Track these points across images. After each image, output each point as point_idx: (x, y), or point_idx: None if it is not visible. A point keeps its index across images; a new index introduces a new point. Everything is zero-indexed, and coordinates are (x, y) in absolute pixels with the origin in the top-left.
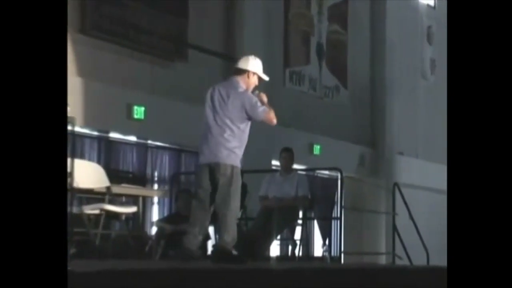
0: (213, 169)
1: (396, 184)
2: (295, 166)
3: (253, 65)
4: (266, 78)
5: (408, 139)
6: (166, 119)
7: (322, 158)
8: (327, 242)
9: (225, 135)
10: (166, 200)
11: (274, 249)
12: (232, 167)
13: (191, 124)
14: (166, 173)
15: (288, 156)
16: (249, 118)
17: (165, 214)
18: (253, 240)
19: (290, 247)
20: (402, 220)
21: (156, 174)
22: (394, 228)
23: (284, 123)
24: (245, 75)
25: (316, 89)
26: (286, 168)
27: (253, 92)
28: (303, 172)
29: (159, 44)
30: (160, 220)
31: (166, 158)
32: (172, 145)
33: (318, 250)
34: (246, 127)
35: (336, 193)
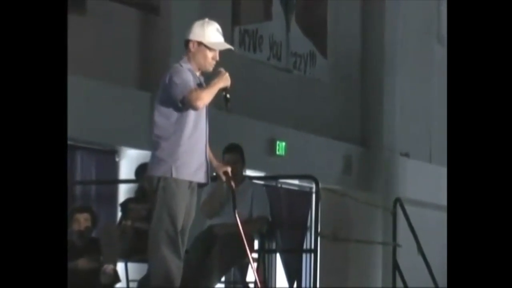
0: None
1: (398, 201)
2: (249, 172)
3: (196, 32)
4: (219, 46)
5: (416, 134)
6: None
7: (289, 161)
8: (295, 285)
9: (153, 135)
10: None
11: None
12: (159, 179)
13: (91, 109)
14: None
15: (236, 157)
16: (168, 98)
17: None
18: (185, 282)
19: None
20: (407, 254)
21: None
22: (395, 266)
23: (230, 109)
24: (188, 48)
25: (281, 58)
26: (235, 175)
27: (213, 70)
28: (261, 182)
29: None
30: None
31: None
32: None
33: None
34: (181, 118)
35: (310, 213)
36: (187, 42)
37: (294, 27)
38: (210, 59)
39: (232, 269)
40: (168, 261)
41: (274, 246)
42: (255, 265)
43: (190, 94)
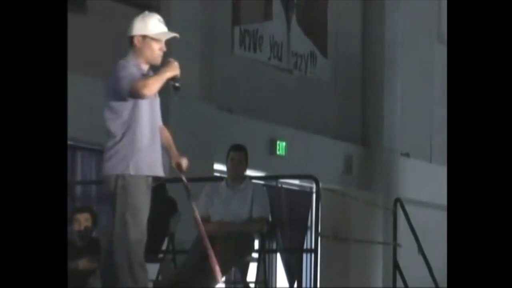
0: None
1: (398, 201)
2: (249, 172)
3: (138, 26)
4: (164, 35)
5: (417, 133)
6: None
7: (289, 161)
8: (295, 285)
9: (108, 131)
10: None
11: None
12: (116, 178)
13: (91, 108)
14: None
15: (238, 157)
16: (117, 93)
17: None
18: (185, 283)
19: None
20: (407, 254)
21: None
22: (396, 266)
23: (230, 108)
24: (133, 43)
25: (282, 58)
26: (236, 175)
27: (163, 62)
28: (261, 182)
29: None
30: None
31: None
32: None
33: None
34: (133, 113)
35: (310, 213)
36: (130, 38)
37: (295, 27)
38: (157, 50)
39: (233, 268)
40: (134, 270)
41: (274, 246)
42: (254, 264)
43: (136, 83)
